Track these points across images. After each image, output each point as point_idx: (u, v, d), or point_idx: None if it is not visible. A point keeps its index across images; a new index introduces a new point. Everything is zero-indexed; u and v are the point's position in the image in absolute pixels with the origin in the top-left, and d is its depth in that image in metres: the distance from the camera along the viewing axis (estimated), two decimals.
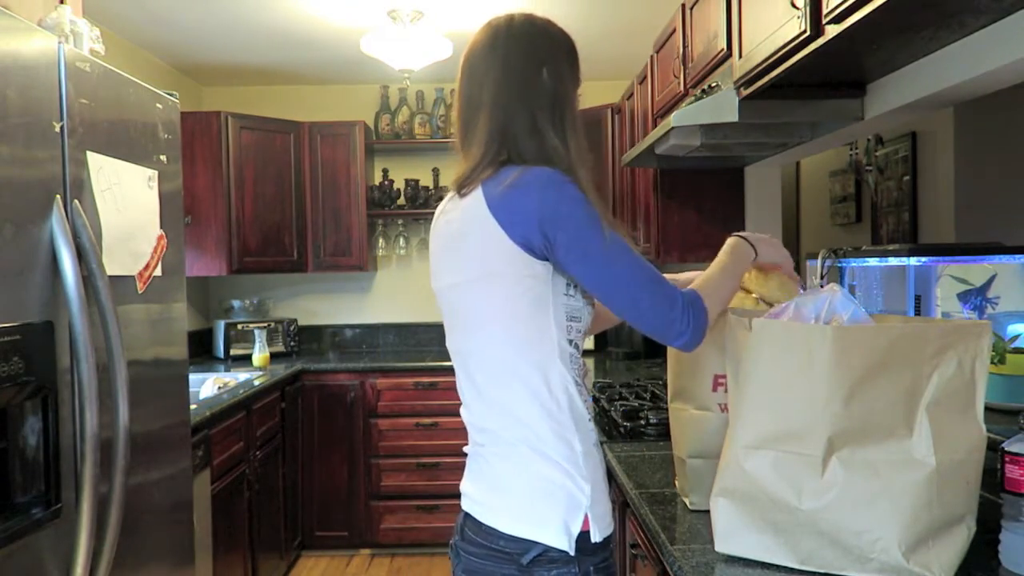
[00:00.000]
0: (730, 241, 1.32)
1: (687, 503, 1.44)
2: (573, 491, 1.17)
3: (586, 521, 1.18)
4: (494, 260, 1.16)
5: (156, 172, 1.89)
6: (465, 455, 1.32)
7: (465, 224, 1.21)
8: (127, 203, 1.74)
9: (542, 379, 1.18)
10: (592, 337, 4.07)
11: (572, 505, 1.17)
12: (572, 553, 1.16)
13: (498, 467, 1.22)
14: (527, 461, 1.19)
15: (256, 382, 3.30)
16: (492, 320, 1.19)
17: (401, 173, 4.44)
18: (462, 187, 1.21)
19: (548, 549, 1.16)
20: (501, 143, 1.21)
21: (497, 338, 1.20)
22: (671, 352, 1.47)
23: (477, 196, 1.18)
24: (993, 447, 1.09)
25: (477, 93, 1.23)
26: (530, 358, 1.18)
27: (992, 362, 1.36)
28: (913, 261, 1.85)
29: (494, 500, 1.21)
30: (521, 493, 1.19)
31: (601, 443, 1.91)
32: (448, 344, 1.35)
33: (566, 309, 1.20)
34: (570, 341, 1.21)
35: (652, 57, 2.96)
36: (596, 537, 1.18)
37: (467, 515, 1.25)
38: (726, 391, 1.32)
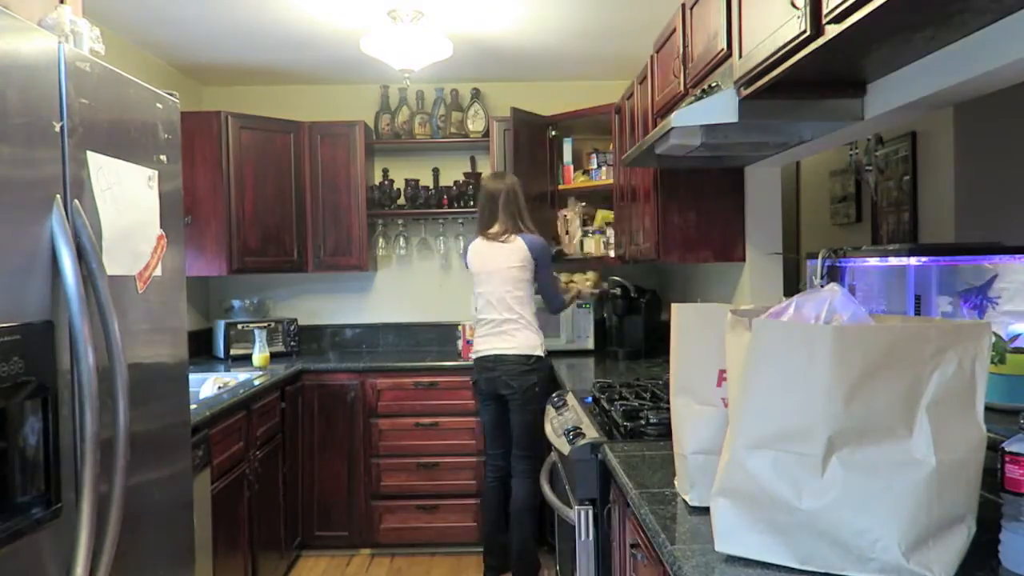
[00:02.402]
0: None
1: (687, 500, 1.44)
2: (539, 340, 3.30)
3: (543, 348, 3.30)
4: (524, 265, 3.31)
5: (156, 172, 1.89)
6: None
7: (514, 252, 3.29)
8: (127, 203, 1.74)
9: (530, 306, 3.32)
10: (592, 337, 4.09)
11: (541, 343, 3.30)
12: (543, 356, 3.30)
13: (516, 332, 3.27)
14: (528, 328, 3.29)
15: (256, 382, 3.30)
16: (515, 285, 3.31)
17: (401, 173, 4.45)
18: (501, 236, 3.33)
19: (537, 358, 3.27)
20: (514, 223, 3.34)
21: (516, 290, 3.31)
22: (675, 348, 1.48)
23: (519, 241, 3.30)
24: (993, 447, 1.09)
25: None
26: (526, 299, 3.30)
27: (992, 362, 1.36)
28: (913, 261, 1.85)
29: (518, 344, 3.26)
30: (527, 340, 3.27)
31: (601, 443, 1.93)
32: (482, 290, 3.37)
33: (531, 287, 3.34)
34: (531, 297, 3.34)
35: (652, 57, 2.96)
36: (542, 353, 3.29)
37: (502, 353, 3.26)
38: None
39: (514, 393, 3.23)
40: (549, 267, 3.38)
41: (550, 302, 3.46)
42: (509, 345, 3.25)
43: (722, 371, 1.36)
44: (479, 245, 3.36)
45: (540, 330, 3.32)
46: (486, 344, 3.31)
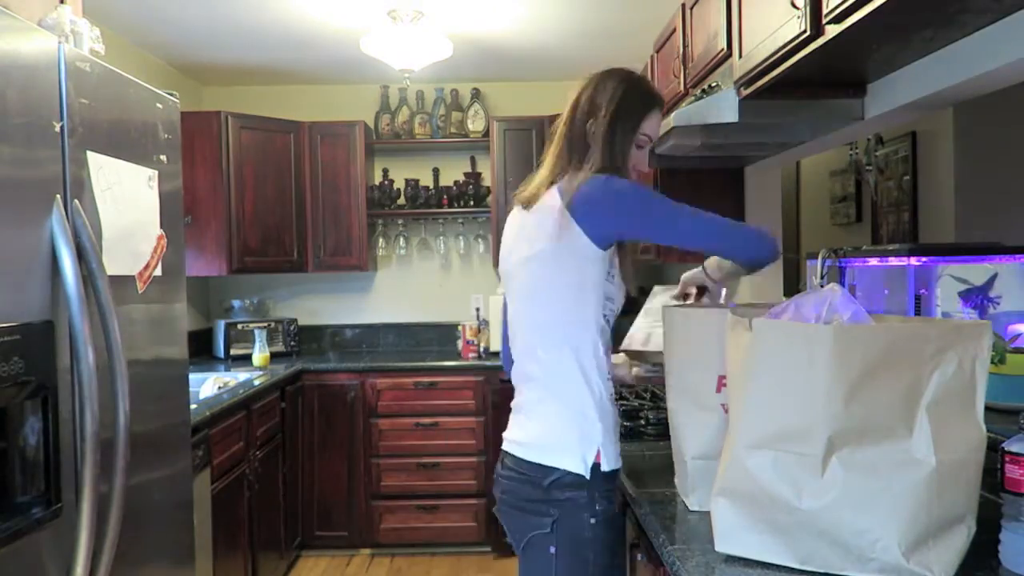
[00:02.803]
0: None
1: (687, 503, 1.44)
2: (589, 430, 1.46)
3: (599, 455, 1.46)
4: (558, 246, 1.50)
5: (156, 172, 1.88)
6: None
7: (538, 222, 1.54)
8: (127, 203, 1.74)
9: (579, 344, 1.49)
10: None
11: (588, 440, 1.46)
12: (587, 477, 1.44)
13: (535, 407, 1.53)
14: (559, 403, 1.49)
15: (256, 382, 3.30)
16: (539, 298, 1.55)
17: (401, 173, 4.44)
18: (529, 198, 1.59)
19: (566, 474, 1.44)
20: (566, 161, 1.58)
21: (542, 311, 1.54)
22: (669, 350, 1.47)
23: (552, 195, 1.52)
24: (993, 447, 1.09)
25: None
26: (573, 328, 1.49)
27: (992, 362, 1.36)
28: (913, 261, 1.85)
29: (529, 438, 1.51)
30: (552, 428, 1.49)
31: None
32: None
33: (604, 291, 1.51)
34: (604, 316, 1.52)
35: (652, 57, 2.96)
36: (606, 467, 1.47)
37: (506, 452, 1.56)
38: None
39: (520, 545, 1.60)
40: (655, 201, 1.52)
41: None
42: (516, 439, 1.57)
43: (721, 377, 1.35)
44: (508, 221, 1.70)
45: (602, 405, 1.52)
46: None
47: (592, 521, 1.46)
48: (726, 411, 1.34)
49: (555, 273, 1.48)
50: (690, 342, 1.42)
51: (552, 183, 1.52)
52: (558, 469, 1.45)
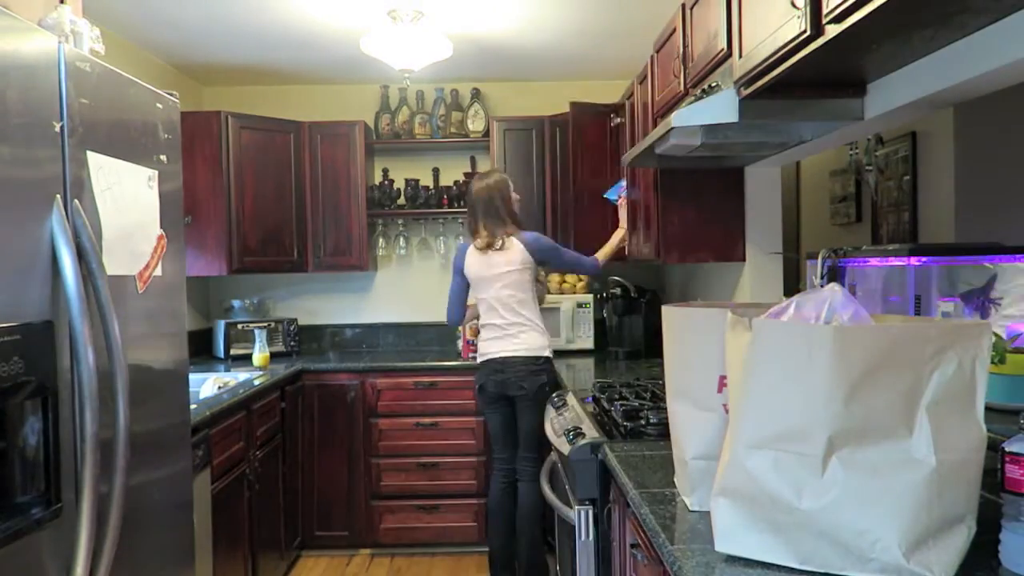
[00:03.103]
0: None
1: (687, 503, 1.44)
2: (547, 342, 3.25)
3: (550, 351, 3.25)
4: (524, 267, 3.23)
5: (156, 172, 1.89)
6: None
7: (511, 257, 3.20)
8: (127, 203, 1.74)
9: (534, 306, 3.27)
10: (592, 337, 4.09)
11: (548, 345, 3.24)
12: (551, 358, 3.24)
13: (521, 335, 3.20)
14: (534, 331, 3.22)
15: (256, 382, 3.30)
16: (518, 288, 3.26)
17: (401, 173, 4.45)
18: (492, 247, 3.23)
19: (545, 360, 3.21)
20: (500, 229, 3.23)
21: (519, 292, 3.25)
22: (669, 350, 1.47)
23: (515, 244, 3.21)
24: (993, 447, 1.09)
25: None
26: (529, 301, 3.26)
27: (992, 362, 1.36)
28: (913, 261, 1.85)
29: (527, 346, 3.19)
30: (534, 341, 3.21)
31: (601, 443, 1.93)
32: (483, 296, 3.28)
33: (534, 288, 3.30)
34: (535, 298, 3.30)
35: (652, 57, 2.96)
36: (551, 355, 3.25)
37: (514, 356, 3.19)
38: None
39: (525, 394, 3.14)
40: (558, 249, 3.28)
41: (585, 269, 3.44)
42: (516, 347, 3.17)
43: (722, 377, 1.35)
44: (472, 256, 3.25)
45: (546, 331, 3.26)
46: (492, 347, 3.22)
47: (549, 376, 3.21)
48: (727, 411, 1.34)
49: (523, 276, 3.21)
50: (690, 342, 1.42)
51: (505, 235, 3.21)
52: (542, 357, 3.19)
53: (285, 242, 4.12)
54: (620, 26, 3.48)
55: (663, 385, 2.54)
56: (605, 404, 2.31)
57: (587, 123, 3.89)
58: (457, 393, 3.87)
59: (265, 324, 4.09)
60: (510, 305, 3.20)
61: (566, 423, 2.29)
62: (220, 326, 4.08)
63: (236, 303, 4.28)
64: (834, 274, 2.10)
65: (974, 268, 1.72)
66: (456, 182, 4.35)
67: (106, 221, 1.63)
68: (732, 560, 1.16)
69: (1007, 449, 1.06)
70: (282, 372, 3.64)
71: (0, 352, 1.29)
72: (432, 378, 3.87)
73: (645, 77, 3.11)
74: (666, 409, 2.04)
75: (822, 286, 1.25)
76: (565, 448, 2.09)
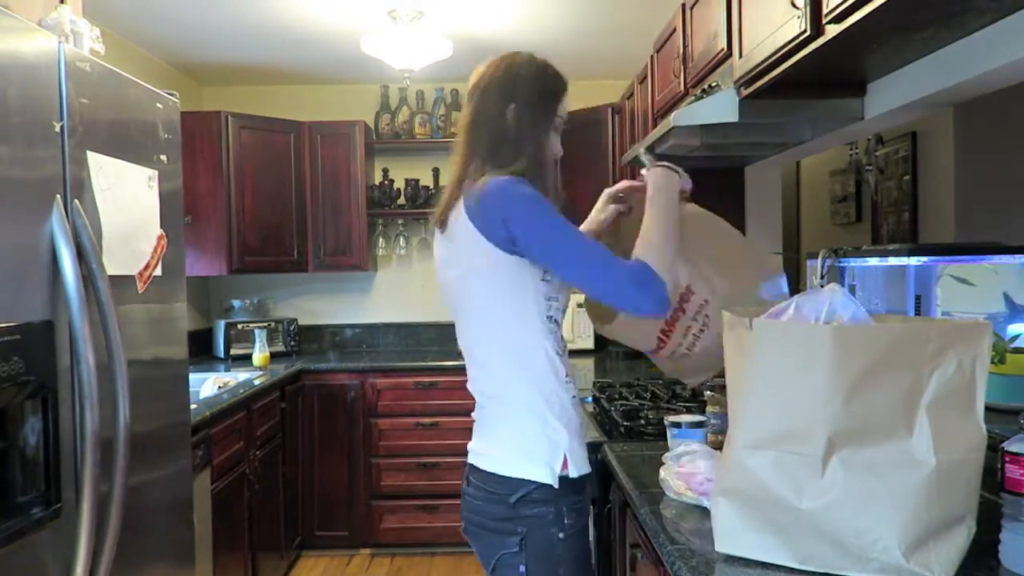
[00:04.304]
0: (652, 179, 1.58)
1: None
2: (552, 436, 1.41)
3: (566, 462, 1.41)
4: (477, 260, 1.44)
5: (156, 172, 1.88)
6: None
7: (453, 239, 1.53)
8: (127, 203, 1.74)
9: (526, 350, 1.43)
10: (592, 337, 4.07)
11: (553, 447, 1.41)
12: (556, 486, 1.39)
13: (497, 424, 1.47)
14: (518, 416, 1.43)
15: (256, 382, 3.30)
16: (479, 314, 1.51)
17: (401, 173, 4.44)
18: (441, 214, 1.52)
19: (533, 489, 1.39)
20: (471, 165, 1.46)
21: (484, 320, 1.50)
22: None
23: (458, 209, 1.44)
24: (993, 447, 1.09)
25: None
26: (512, 339, 1.44)
27: (992, 362, 1.36)
28: (913, 261, 1.85)
29: (492, 450, 1.45)
30: (514, 442, 1.43)
31: (601, 443, 1.93)
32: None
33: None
34: (549, 317, 1.44)
35: (652, 57, 2.96)
36: (574, 473, 1.42)
37: (471, 466, 1.49)
38: None
39: None
40: (546, 217, 1.39)
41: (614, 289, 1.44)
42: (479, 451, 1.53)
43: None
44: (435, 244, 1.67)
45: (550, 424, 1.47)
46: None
47: (561, 536, 1.41)
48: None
49: (486, 284, 1.43)
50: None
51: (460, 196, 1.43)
52: (526, 482, 1.39)
53: (285, 242, 4.12)
54: (620, 26, 3.48)
55: (663, 385, 2.55)
56: (605, 404, 2.31)
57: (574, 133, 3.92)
58: (457, 393, 3.85)
59: (265, 324, 4.09)
60: (473, 356, 1.67)
61: None
62: (220, 326, 4.08)
63: (236, 303, 4.28)
64: (834, 274, 2.10)
65: (974, 268, 1.72)
66: None
67: (106, 221, 1.63)
68: (732, 560, 1.16)
69: (1007, 449, 1.06)
70: (282, 372, 3.64)
71: (0, 352, 1.29)
72: (432, 378, 3.87)
73: (645, 77, 3.11)
74: (665, 409, 2.03)
75: (822, 286, 1.25)
76: None
